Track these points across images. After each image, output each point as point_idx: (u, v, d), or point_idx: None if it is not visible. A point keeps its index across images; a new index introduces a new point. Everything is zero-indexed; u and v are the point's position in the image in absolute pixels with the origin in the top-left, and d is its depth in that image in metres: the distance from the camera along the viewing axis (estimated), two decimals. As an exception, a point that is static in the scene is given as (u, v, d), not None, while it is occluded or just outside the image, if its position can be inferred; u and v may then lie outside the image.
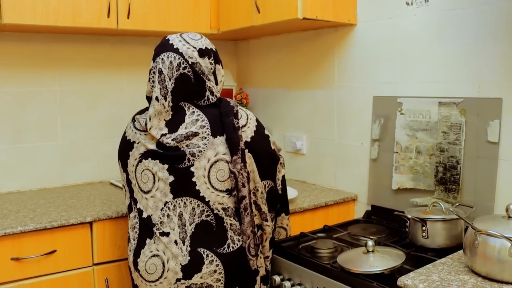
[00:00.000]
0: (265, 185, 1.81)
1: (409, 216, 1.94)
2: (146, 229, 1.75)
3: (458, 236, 1.88)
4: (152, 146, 1.73)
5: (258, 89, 3.25)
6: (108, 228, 2.19)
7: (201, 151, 1.69)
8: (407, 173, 2.27)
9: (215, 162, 1.69)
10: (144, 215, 1.76)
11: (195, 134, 1.69)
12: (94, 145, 2.89)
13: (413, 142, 2.25)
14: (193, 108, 1.73)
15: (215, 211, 1.71)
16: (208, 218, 1.70)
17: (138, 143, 1.77)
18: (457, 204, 2.05)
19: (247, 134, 1.74)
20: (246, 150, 1.72)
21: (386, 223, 2.29)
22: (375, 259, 1.73)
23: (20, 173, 2.69)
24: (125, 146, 1.82)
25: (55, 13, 2.35)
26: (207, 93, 1.75)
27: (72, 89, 2.81)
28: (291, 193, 2.45)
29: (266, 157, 1.81)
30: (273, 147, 1.84)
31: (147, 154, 1.74)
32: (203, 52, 1.75)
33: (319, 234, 2.17)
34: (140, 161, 1.75)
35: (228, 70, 3.28)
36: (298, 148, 2.90)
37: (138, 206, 1.78)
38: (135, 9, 2.55)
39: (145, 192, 1.75)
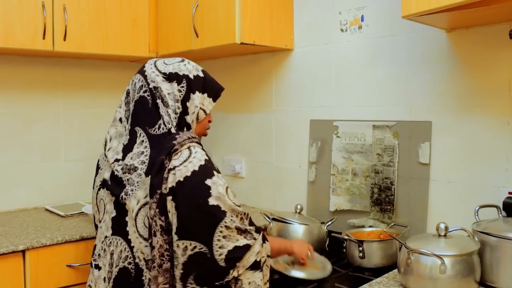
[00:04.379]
0: (186, 246, 1.45)
1: (346, 237, 1.98)
2: (92, 257, 1.68)
3: (393, 255, 1.93)
4: (107, 175, 1.60)
5: (197, 112, 3.24)
6: (42, 256, 2.12)
7: (133, 190, 1.52)
8: (344, 194, 2.32)
9: (144, 204, 1.50)
10: (95, 243, 1.68)
11: (135, 169, 1.53)
12: (28, 170, 2.80)
13: (349, 164, 2.31)
14: (143, 137, 1.56)
15: (136, 260, 1.52)
16: (130, 266, 1.53)
17: (102, 169, 1.68)
18: (392, 224, 2.11)
19: (175, 177, 1.46)
20: (170, 198, 1.46)
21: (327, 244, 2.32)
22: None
23: None
24: (96, 172, 1.73)
25: (-13, 34, 2.29)
26: (160, 121, 1.56)
27: (5, 111, 2.72)
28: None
29: (193, 210, 1.45)
30: (215, 202, 1.46)
31: (104, 184, 1.63)
32: (171, 77, 1.60)
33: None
34: (99, 189, 1.66)
35: (167, 94, 3.26)
36: (237, 171, 2.91)
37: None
38: (72, 31, 2.51)
39: (99, 222, 1.67)
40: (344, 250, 2.02)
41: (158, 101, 1.58)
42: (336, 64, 2.40)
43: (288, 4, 2.56)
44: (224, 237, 1.45)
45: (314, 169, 2.48)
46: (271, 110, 2.73)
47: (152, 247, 1.46)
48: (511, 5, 1.54)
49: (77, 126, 2.98)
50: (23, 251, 2.07)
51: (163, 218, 1.46)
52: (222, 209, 1.46)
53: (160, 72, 1.61)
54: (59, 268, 2.17)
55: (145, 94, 1.59)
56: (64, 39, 2.49)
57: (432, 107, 2.04)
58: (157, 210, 1.46)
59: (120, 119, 1.64)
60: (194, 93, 1.62)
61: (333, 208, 2.36)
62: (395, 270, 1.76)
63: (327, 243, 2.20)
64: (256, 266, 1.52)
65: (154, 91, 1.58)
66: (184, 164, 1.48)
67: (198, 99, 1.63)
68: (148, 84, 1.59)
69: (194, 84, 1.62)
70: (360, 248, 1.93)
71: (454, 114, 1.98)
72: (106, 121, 3.09)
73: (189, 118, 1.62)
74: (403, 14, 1.65)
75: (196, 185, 1.46)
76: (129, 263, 1.53)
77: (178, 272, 1.46)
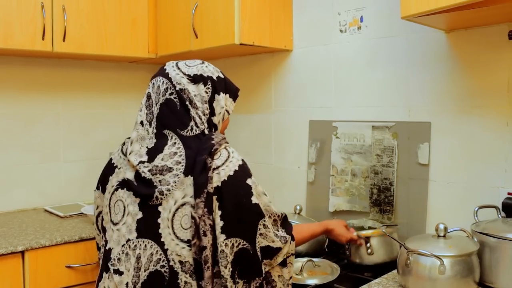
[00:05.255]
0: (233, 244, 1.47)
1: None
2: (105, 262, 1.60)
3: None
4: (130, 175, 1.57)
5: (197, 113, 3.25)
6: (41, 257, 2.11)
7: (170, 190, 1.49)
8: (343, 195, 2.32)
9: (182, 205, 1.48)
10: (107, 246, 1.61)
11: (170, 169, 1.51)
12: (27, 171, 2.80)
13: (348, 165, 2.31)
14: (175, 139, 1.55)
15: (171, 263, 1.48)
16: (163, 270, 1.48)
17: (119, 168, 1.63)
18: (383, 226, 2.09)
19: (220, 177, 1.48)
20: (215, 197, 1.46)
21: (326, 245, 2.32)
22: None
23: None
24: (108, 170, 1.68)
25: (-14, 35, 2.29)
26: (192, 122, 1.56)
27: (4, 112, 2.72)
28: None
29: (237, 209, 1.48)
30: (256, 201, 1.50)
31: (124, 184, 1.59)
32: (196, 79, 1.60)
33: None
34: (116, 189, 1.60)
35: (166, 94, 3.27)
36: (237, 171, 2.91)
37: (106, 236, 1.63)
38: (71, 32, 2.51)
39: (114, 224, 1.60)
40: (347, 249, 2.00)
41: (187, 103, 1.57)
42: (335, 65, 2.40)
43: (287, 5, 2.56)
44: (260, 234, 1.50)
45: (313, 170, 2.48)
46: (270, 110, 2.73)
47: (203, 247, 1.45)
48: (510, 6, 1.54)
49: (76, 127, 2.98)
50: (22, 252, 2.07)
51: (211, 217, 1.46)
52: (261, 207, 1.52)
53: (184, 74, 1.60)
54: (58, 269, 2.17)
55: (172, 97, 1.58)
56: (64, 40, 2.49)
57: (431, 107, 2.05)
58: (205, 209, 1.45)
59: (142, 123, 1.61)
60: (219, 94, 1.63)
61: (333, 209, 2.36)
62: (394, 271, 1.77)
63: (326, 243, 2.20)
64: (283, 262, 1.58)
65: (181, 93, 1.57)
66: (225, 164, 1.50)
67: (223, 100, 1.64)
68: (174, 87, 1.58)
69: (218, 85, 1.63)
70: (368, 245, 1.93)
71: (453, 115, 1.98)
72: (106, 122, 3.09)
73: (215, 119, 1.62)
74: (402, 15, 1.65)
75: (239, 184, 1.50)
76: (162, 266, 1.48)
77: (228, 271, 1.46)
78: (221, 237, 1.46)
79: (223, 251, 1.45)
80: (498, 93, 1.85)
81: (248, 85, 2.86)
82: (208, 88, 1.61)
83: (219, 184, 1.47)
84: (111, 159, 1.69)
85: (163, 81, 1.60)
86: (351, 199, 2.29)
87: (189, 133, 1.56)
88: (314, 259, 1.98)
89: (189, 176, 1.49)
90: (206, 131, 1.58)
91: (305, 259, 1.97)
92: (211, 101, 1.61)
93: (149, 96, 1.63)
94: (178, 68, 1.62)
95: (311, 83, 2.51)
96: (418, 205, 2.07)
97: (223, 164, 1.50)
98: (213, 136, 1.55)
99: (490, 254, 1.59)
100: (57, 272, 2.17)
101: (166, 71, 1.63)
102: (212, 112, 1.61)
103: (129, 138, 1.67)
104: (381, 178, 2.18)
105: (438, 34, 2.01)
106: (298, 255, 2.12)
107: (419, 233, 2.03)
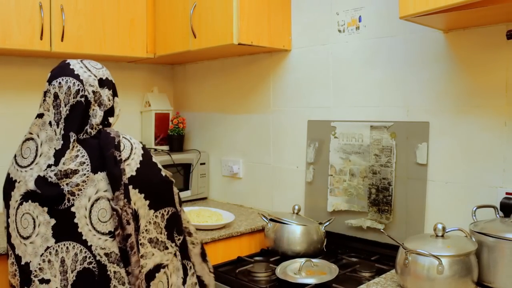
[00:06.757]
0: (162, 214, 1.64)
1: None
2: (24, 277, 1.59)
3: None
4: (32, 185, 1.57)
5: (194, 113, 3.25)
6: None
7: (81, 189, 1.53)
8: (342, 195, 2.32)
9: (96, 200, 1.53)
10: (22, 261, 1.60)
11: (75, 172, 1.54)
12: (25, 171, 2.79)
13: (347, 165, 2.31)
14: (74, 142, 1.58)
15: (97, 258, 1.53)
16: (90, 266, 1.52)
17: (19, 182, 1.61)
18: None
19: (131, 167, 1.59)
20: (131, 186, 1.56)
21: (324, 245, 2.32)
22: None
23: None
24: (8, 186, 1.65)
25: (-16, 34, 2.28)
26: (89, 125, 1.61)
27: (3, 112, 2.71)
28: (228, 217, 2.46)
29: (158, 185, 1.65)
30: (163, 173, 1.68)
31: (28, 196, 1.58)
32: (103, 82, 1.66)
33: (256, 258, 2.18)
34: (21, 203, 1.59)
35: (164, 94, 3.27)
36: (234, 172, 2.91)
37: (16, 252, 1.62)
38: (69, 32, 2.51)
39: (24, 238, 1.59)
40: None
41: (95, 106, 1.62)
42: (334, 65, 2.40)
43: (286, 4, 2.56)
44: (176, 193, 1.72)
45: (311, 170, 2.48)
46: (269, 110, 2.73)
47: (128, 235, 1.52)
48: (509, 6, 1.54)
49: (74, 127, 2.97)
50: (20, 252, 2.07)
51: (131, 206, 1.55)
52: (168, 176, 1.70)
53: (95, 76, 1.65)
54: (57, 269, 2.17)
55: (82, 99, 1.60)
56: (62, 40, 2.48)
57: (429, 107, 2.05)
58: (125, 200, 1.53)
59: (50, 123, 1.62)
60: (117, 97, 1.73)
61: (331, 209, 2.36)
62: (393, 271, 1.77)
63: (324, 243, 2.20)
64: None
65: (92, 95, 1.62)
66: (132, 153, 1.62)
67: (119, 102, 1.74)
68: (86, 90, 1.61)
69: (115, 89, 1.73)
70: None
71: (452, 115, 1.98)
72: (104, 121, 3.08)
73: (112, 120, 1.70)
74: (400, 15, 1.65)
75: (150, 165, 1.65)
76: (90, 263, 1.52)
77: (164, 236, 1.64)
78: (150, 213, 1.61)
79: (156, 222, 1.63)
80: (496, 93, 1.85)
81: (246, 85, 2.86)
82: (110, 91, 1.69)
83: (133, 174, 1.59)
84: (8, 174, 1.67)
85: (74, 83, 1.61)
86: (349, 199, 2.29)
87: (85, 136, 1.61)
88: (312, 259, 1.98)
89: (99, 172, 1.55)
90: (100, 130, 1.64)
91: (304, 259, 1.97)
92: (113, 104, 1.70)
93: (56, 96, 1.61)
94: (89, 70, 1.65)
95: (310, 83, 2.51)
96: (416, 205, 2.07)
97: (130, 155, 1.61)
98: (108, 131, 1.63)
99: (488, 253, 1.59)
100: (55, 272, 2.16)
101: (76, 72, 1.63)
102: (111, 114, 1.70)
103: (18, 151, 1.66)
104: (380, 178, 2.18)
105: (437, 34, 2.01)
106: (296, 255, 2.12)
107: (417, 233, 2.03)
